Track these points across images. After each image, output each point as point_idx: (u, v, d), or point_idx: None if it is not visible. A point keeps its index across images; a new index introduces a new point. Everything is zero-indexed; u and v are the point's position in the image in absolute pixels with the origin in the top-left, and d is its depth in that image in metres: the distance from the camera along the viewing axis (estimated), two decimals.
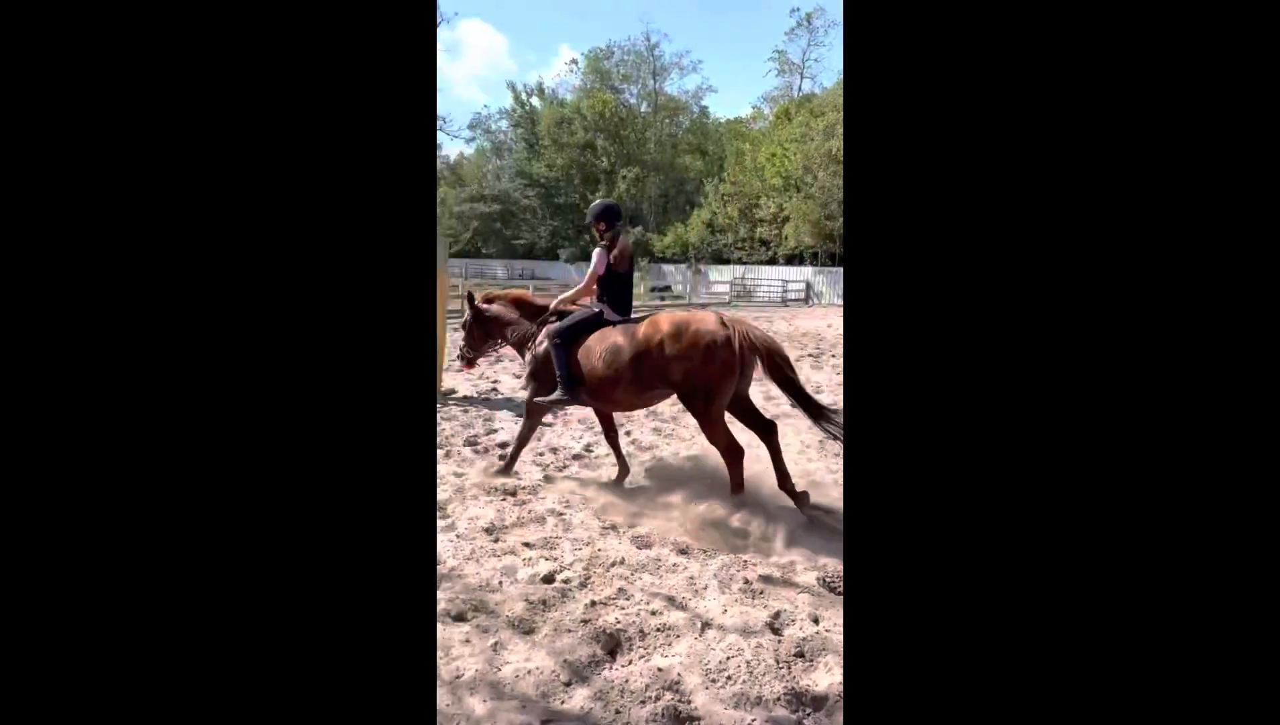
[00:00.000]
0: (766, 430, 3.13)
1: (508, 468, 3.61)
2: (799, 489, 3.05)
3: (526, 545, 2.77)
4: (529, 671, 1.88)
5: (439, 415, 4.98)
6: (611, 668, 1.94)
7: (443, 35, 34.30)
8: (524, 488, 3.45)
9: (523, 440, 3.65)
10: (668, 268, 30.83)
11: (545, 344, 3.37)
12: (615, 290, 3.32)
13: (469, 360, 3.95)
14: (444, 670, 1.89)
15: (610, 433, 3.60)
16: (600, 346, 3.19)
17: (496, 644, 2.03)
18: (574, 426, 4.86)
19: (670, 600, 2.29)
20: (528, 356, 3.55)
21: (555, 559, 2.64)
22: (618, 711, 1.73)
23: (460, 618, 2.19)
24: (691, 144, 36.12)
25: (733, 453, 3.04)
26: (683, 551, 2.71)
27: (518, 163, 35.03)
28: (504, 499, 3.29)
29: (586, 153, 32.37)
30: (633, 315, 3.37)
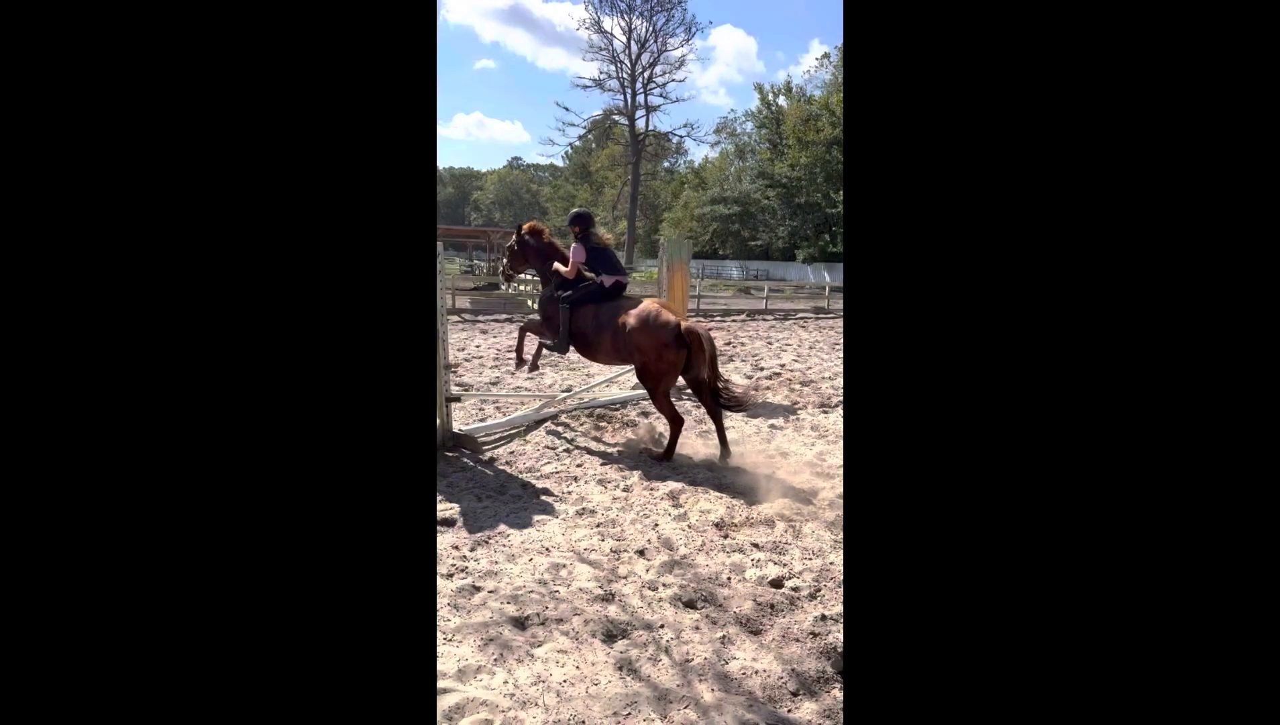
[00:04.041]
0: (716, 416, 4.07)
1: (518, 364, 4.85)
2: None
3: (755, 546, 2.78)
4: (756, 672, 1.89)
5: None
6: (842, 689, 1.86)
7: (696, 45, 35.64)
8: (754, 489, 3.47)
9: (519, 347, 4.89)
10: None
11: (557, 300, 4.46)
12: (604, 262, 4.42)
13: (508, 276, 5.06)
14: (675, 652, 1.99)
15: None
16: (595, 316, 4.26)
17: (724, 638, 2.08)
18: (805, 432, 4.74)
19: None
20: (543, 293, 4.67)
21: (784, 565, 2.60)
22: None
23: (690, 605, 2.28)
24: None
25: (674, 422, 4.03)
26: None
27: (760, 163, 35.04)
28: (735, 498, 3.35)
29: (833, 149, 31.13)
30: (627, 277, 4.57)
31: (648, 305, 4.11)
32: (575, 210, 4.75)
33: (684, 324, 3.92)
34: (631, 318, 4.05)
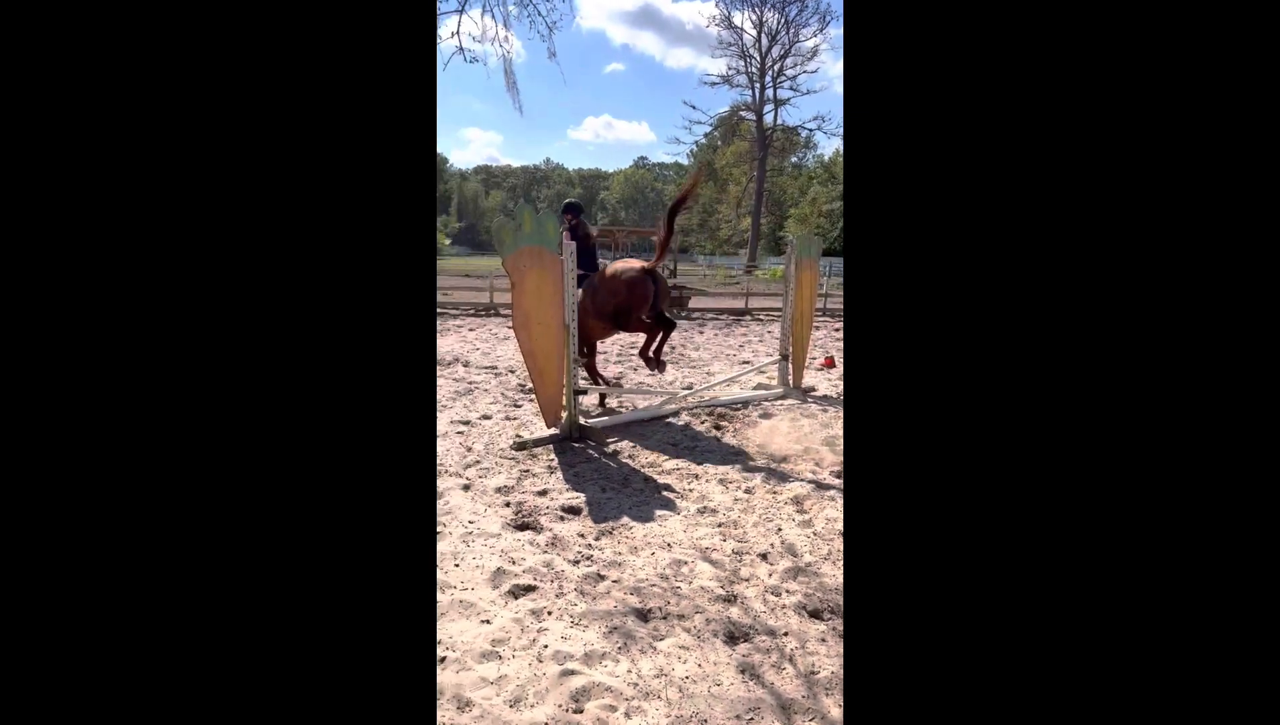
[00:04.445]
0: (667, 326, 4.78)
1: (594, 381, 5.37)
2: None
3: None
4: None
5: (799, 412, 5.09)
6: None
7: (830, 33, 34.25)
8: None
9: (592, 373, 5.40)
10: None
11: None
12: (583, 257, 4.87)
13: None
14: (800, 662, 1.94)
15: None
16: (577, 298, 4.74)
17: None
18: None
19: None
20: None
21: None
22: None
23: (816, 615, 2.21)
24: None
25: (650, 331, 4.75)
26: None
27: None
28: None
29: None
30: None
31: (611, 264, 4.80)
32: (568, 200, 5.11)
33: (647, 267, 4.68)
34: (595, 278, 4.70)
